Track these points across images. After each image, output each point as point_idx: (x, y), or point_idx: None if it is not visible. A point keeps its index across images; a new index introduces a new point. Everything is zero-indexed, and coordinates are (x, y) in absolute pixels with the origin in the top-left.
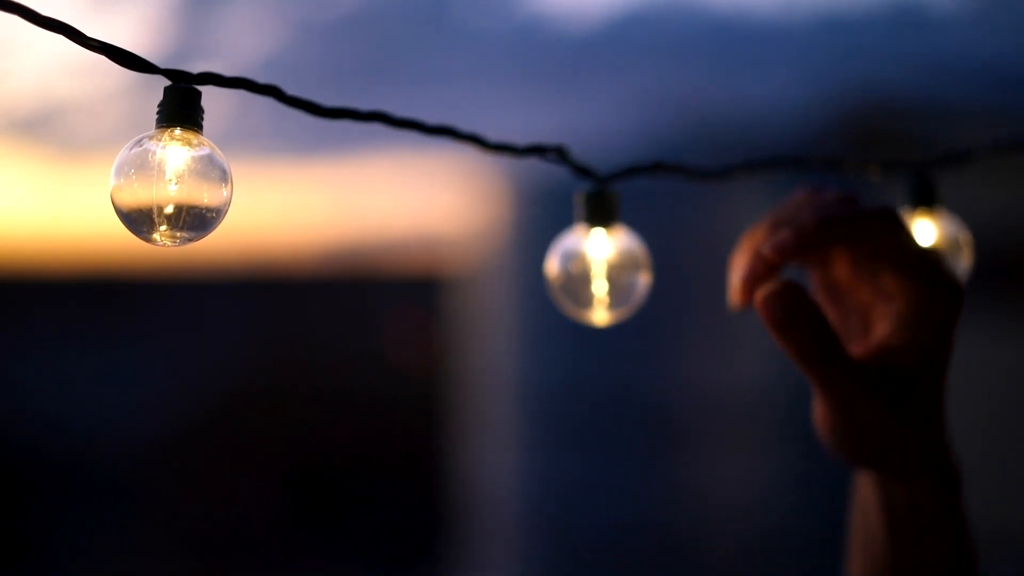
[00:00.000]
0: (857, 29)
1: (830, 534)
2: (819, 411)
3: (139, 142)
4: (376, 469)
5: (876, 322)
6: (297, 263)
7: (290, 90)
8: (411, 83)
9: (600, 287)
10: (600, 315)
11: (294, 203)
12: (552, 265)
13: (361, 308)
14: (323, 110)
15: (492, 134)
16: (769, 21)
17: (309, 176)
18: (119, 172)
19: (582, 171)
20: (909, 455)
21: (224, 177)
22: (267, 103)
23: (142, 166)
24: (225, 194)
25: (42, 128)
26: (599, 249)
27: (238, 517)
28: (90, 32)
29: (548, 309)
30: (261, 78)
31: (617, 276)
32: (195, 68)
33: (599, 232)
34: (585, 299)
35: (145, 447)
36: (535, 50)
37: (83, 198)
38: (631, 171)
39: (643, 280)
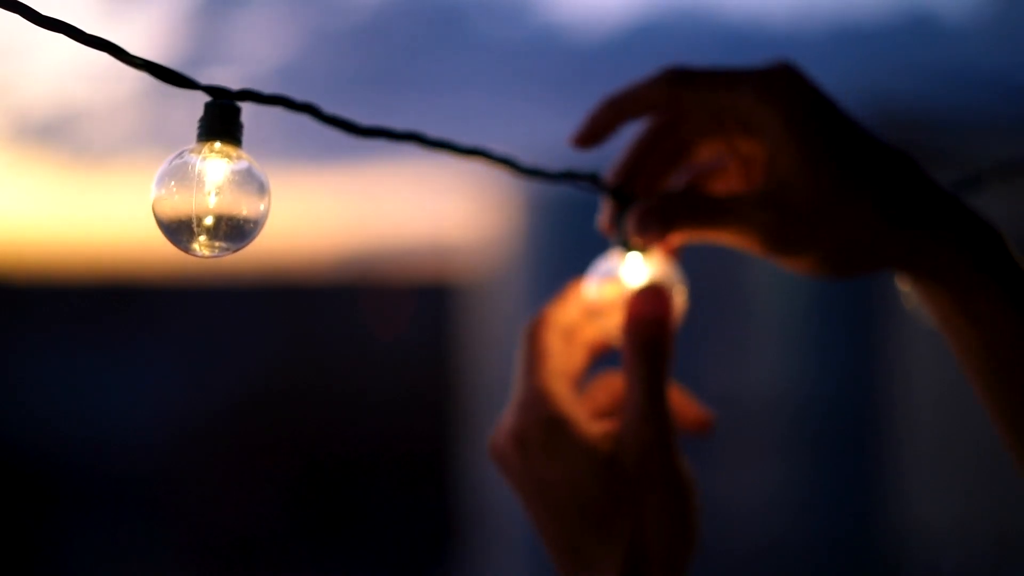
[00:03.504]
0: (871, 39)
1: (837, 541)
2: (804, 264)
3: (180, 155)
4: (387, 476)
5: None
6: (309, 270)
7: (302, 98)
8: (423, 91)
9: None
10: None
11: (306, 210)
12: (590, 288)
13: (373, 315)
14: (359, 129)
15: (505, 143)
16: (783, 30)
17: (321, 183)
18: (160, 184)
19: (616, 197)
20: (895, 239)
21: (262, 190)
22: (278, 110)
23: (183, 178)
24: (263, 207)
25: (56, 134)
26: (634, 274)
27: (249, 522)
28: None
29: None
30: (275, 86)
31: None
32: (209, 75)
33: (635, 256)
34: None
35: (158, 452)
36: (549, 58)
37: (98, 204)
38: (668, 198)
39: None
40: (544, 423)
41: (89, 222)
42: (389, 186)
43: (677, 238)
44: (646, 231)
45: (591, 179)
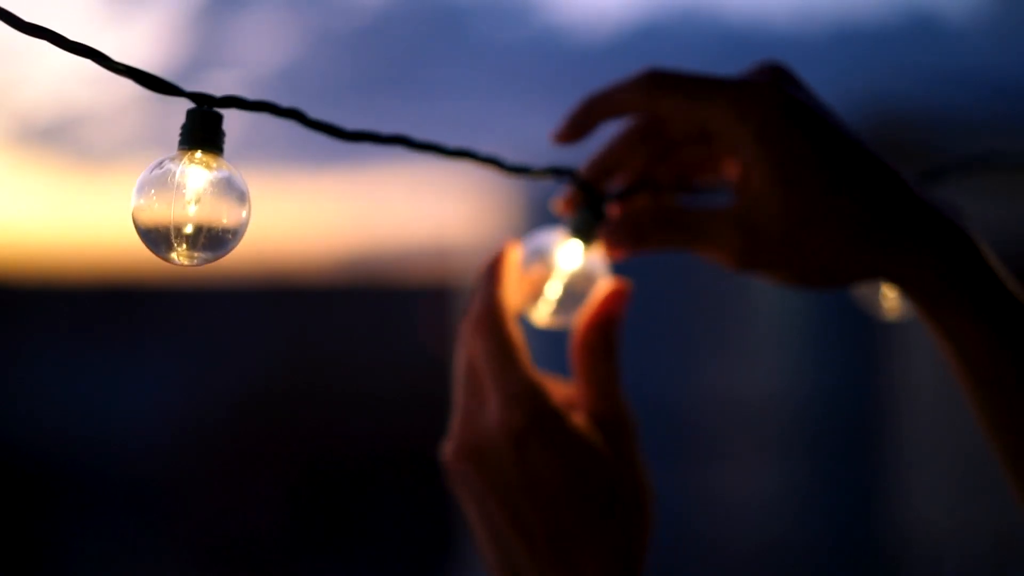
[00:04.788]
0: (872, 40)
1: (838, 541)
2: (778, 276)
3: (160, 164)
4: (388, 477)
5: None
6: (310, 272)
7: (306, 101)
8: (424, 93)
9: (554, 289)
10: (541, 314)
11: (307, 213)
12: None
13: (374, 317)
14: (345, 133)
15: (504, 144)
16: (784, 31)
17: (322, 186)
18: (140, 192)
19: (592, 194)
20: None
21: (243, 199)
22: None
23: (163, 187)
24: (243, 216)
25: (59, 137)
26: (569, 259)
27: (250, 523)
28: (107, 41)
29: None
30: (277, 89)
31: (573, 288)
32: (210, 78)
33: (577, 244)
34: (534, 295)
35: (160, 454)
36: (551, 60)
37: (100, 207)
38: (641, 215)
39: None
40: (541, 417)
41: (91, 225)
42: (389, 189)
43: (647, 250)
44: (618, 245)
45: (570, 175)
